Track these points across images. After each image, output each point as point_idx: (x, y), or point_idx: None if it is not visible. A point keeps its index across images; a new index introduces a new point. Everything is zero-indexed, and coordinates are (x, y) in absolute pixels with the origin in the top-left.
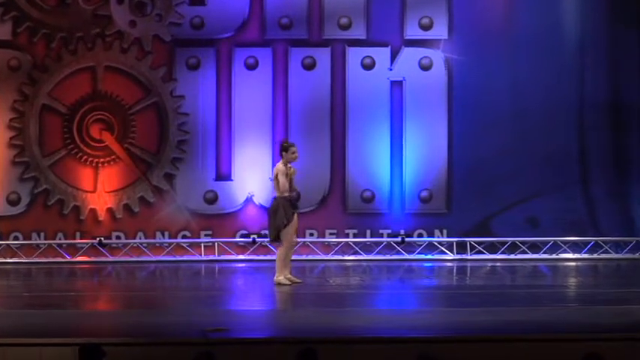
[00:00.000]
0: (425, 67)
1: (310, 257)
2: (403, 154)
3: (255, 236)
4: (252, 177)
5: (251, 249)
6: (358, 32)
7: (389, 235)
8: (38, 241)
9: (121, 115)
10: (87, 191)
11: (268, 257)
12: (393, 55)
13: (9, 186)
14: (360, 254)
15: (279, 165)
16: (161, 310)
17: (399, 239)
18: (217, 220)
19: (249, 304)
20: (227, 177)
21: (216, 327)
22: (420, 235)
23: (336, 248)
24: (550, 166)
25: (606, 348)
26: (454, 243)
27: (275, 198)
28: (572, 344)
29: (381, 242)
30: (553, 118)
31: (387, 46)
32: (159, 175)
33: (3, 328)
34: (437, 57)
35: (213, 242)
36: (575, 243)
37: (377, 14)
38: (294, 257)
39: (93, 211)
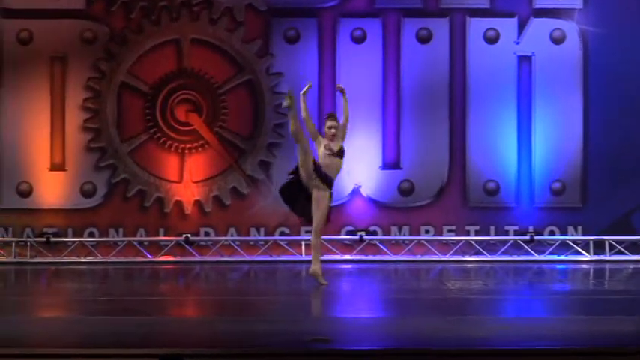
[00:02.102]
0: (556, 41)
1: (426, 257)
2: (532, 139)
3: (362, 233)
4: (360, 165)
5: (358, 248)
6: (481, 1)
7: (516, 233)
8: (116, 238)
9: (209, 95)
10: (171, 181)
11: (378, 257)
12: (521, 27)
13: (83, 175)
14: (483, 254)
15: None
16: (254, 317)
17: (527, 237)
18: None
19: (355, 311)
20: None
21: (317, 336)
22: (552, 233)
23: (456, 247)
24: None
25: None
26: (590, 242)
27: None
28: None
29: (507, 241)
30: None
31: (513, 16)
32: (253, 163)
33: (75, 335)
34: (570, 29)
35: None
36: None
37: None
38: (407, 257)
39: (178, 204)
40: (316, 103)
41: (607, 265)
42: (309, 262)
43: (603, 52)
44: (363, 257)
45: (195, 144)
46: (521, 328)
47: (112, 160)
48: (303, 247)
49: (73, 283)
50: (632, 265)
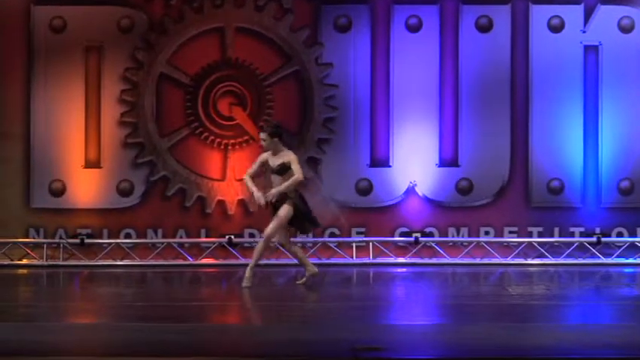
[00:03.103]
0: (625, 29)
1: (486, 261)
2: (599, 134)
3: (418, 235)
4: (415, 162)
5: (413, 250)
6: None
7: (581, 235)
8: (154, 240)
9: (255, 87)
10: (214, 179)
11: (434, 260)
12: (587, 15)
13: (120, 173)
14: (546, 257)
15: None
16: (303, 324)
17: (593, 239)
18: (372, 214)
19: (410, 318)
20: (384, 162)
21: (369, 345)
22: (620, 235)
23: (517, 250)
24: None
25: None
26: None
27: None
28: None
29: (572, 243)
30: None
31: (579, 3)
32: (301, 159)
33: (111, 343)
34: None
35: (367, 242)
36: None
37: None
38: (465, 260)
39: (221, 203)
40: (369, 96)
41: None
42: (361, 265)
43: None
44: (419, 260)
45: (240, 139)
46: (587, 336)
47: (151, 157)
48: (354, 249)
49: (109, 287)
50: None
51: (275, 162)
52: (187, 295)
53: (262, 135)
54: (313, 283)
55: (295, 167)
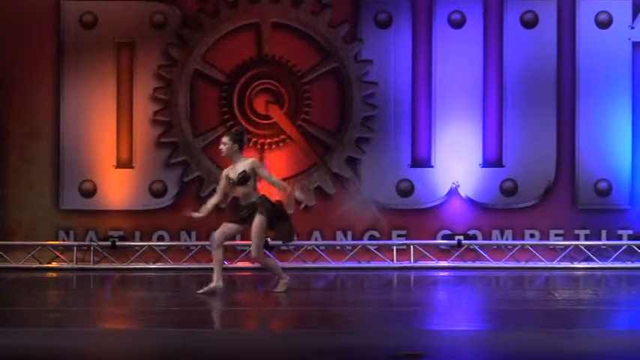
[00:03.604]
0: None
1: (531, 264)
2: None
3: (461, 237)
4: (458, 162)
5: (456, 253)
6: None
7: (630, 237)
8: (188, 242)
9: (292, 85)
10: None
11: (477, 264)
12: (635, 10)
13: (152, 173)
14: (594, 261)
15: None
16: (340, 330)
17: None
18: (413, 216)
19: (452, 324)
20: (426, 163)
21: (410, 351)
22: None
23: (564, 253)
24: None
25: None
26: None
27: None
28: None
29: (620, 246)
30: None
31: None
32: (340, 159)
33: (144, 350)
34: None
35: (408, 245)
36: None
37: None
38: (510, 264)
39: None
40: (409, 94)
41: None
42: (402, 269)
43: None
44: (461, 264)
45: (276, 139)
46: (636, 343)
47: (185, 157)
48: (394, 252)
49: (141, 291)
50: None
51: (235, 173)
52: (222, 299)
53: (224, 138)
54: (353, 287)
55: (264, 173)
